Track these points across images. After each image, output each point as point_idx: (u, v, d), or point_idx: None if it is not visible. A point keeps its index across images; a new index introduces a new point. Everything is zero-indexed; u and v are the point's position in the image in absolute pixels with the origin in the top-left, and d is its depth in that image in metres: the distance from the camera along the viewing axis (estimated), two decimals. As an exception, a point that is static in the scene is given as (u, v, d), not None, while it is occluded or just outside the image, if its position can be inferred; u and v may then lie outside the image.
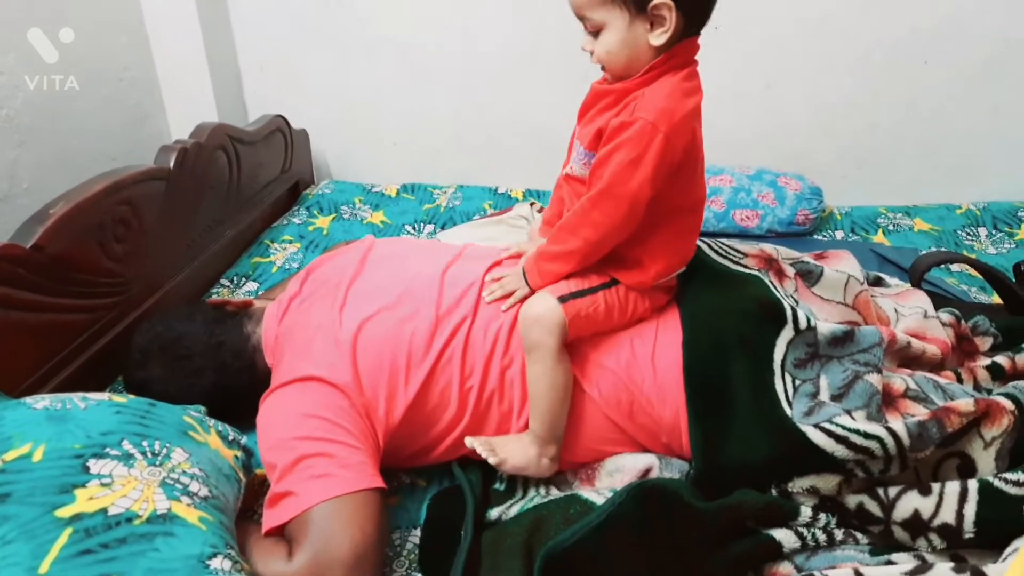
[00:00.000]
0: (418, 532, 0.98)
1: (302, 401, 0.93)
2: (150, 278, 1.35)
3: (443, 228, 1.82)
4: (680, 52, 0.92)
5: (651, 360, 1.00)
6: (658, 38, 0.89)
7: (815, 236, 1.78)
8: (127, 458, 0.81)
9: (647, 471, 0.99)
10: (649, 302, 1.04)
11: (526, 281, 1.02)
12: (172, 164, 1.34)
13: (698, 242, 1.16)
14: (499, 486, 1.04)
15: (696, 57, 0.95)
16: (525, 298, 1.01)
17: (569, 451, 1.02)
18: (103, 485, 0.76)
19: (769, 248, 1.17)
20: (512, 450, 0.98)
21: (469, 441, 0.99)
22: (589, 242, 0.96)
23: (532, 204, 1.81)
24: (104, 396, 0.91)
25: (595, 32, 0.93)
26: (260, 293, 1.52)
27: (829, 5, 1.77)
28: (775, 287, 1.05)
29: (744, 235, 1.74)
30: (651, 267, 1.00)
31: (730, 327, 0.99)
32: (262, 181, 1.79)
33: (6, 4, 1.42)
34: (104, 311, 1.23)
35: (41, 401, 0.86)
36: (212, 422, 0.97)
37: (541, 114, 1.95)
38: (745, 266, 1.11)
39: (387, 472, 0.97)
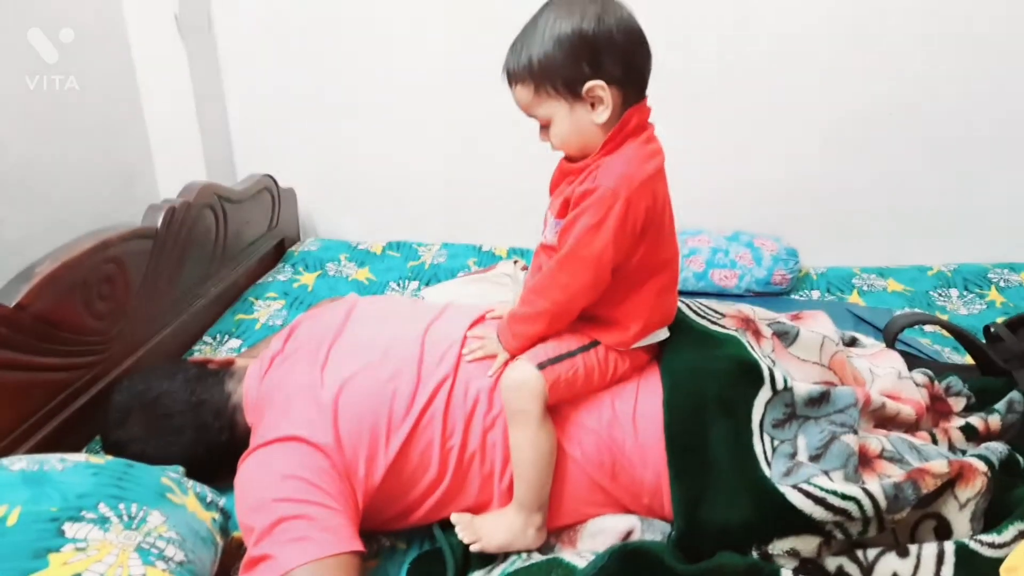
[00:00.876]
0: (398, 597, 0.97)
1: (282, 462, 0.93)
2: (132, 336, 1.35)
3: (427, 285, 1.84)
4: (631, 119, 0.95)
5: (632, 420, 1.01)
6: (601, 116, 0.93)
7: (792, 296, 1.82)
8: (103, 521, 0.80)
9: (629, 533, 0.99)
10: (630, 363, 1.05)
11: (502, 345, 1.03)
12: (160, 223, 1.36)
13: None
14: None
15: (650, 120, 0.99)
16: (507, 362, 1.02)
17: (552, 513, 1.02)
18: (78, 550, 0.76)
19: (746, 309, 1.19)
20: (492, 529, 0.98)
21: (455, 517, 0.99)
22: (557, 303, 0.98)
23: (516, 262, 1.83)
24: (81, 457, 0.91)
25: (546, 126, 0.97)
26: (243, 351, 1.52)
27: (802, 75, 1.85)
28: (753, 347, 1.07)
29: (723, 295, 1.77)
30: (630, 326, 1.02)
31: (710, 387, 1.00)
32: (248, 239, 1.81)
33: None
34: (85, 369, 1.22)
35: (18, 463, 0.85)
36: (190, 484, 0.97)
37: (524, 174, 1.98)
38: (723, 326, 1.13)
39: (367, 535, 0.96)
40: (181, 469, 1.00)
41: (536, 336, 1.01)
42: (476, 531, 0.98)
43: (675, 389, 1.01)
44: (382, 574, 1.01)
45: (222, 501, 0.99)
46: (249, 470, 0.95)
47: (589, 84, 0.92)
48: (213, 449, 1.08)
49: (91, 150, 1.72)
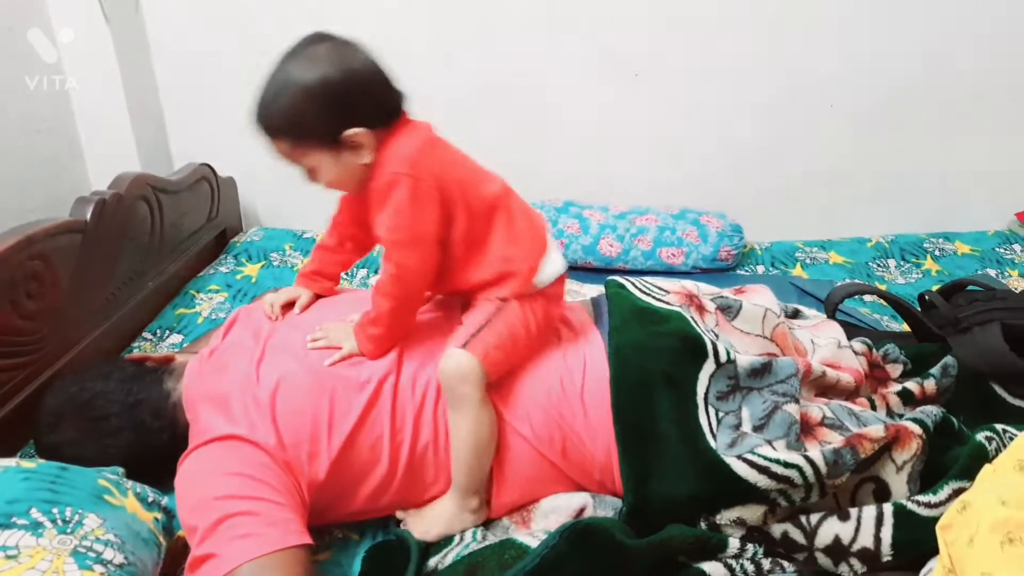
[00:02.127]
0: (352, 587, 0.96)
1: (223, 460, 0.91)
2: (65, 335, 1.30)
3: (376, 273, 1.81)
4: (392, 130, 0.97)
5: (580, 398, 1.01)
6: (365, 158, 0.95)
7: (738, 271, 1.85)
8: (35, 527, 0.77)
9: (581, 510, 1.00)
10: (543, 310, 1.05)
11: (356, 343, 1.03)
12: (89, 216, 1.31)
13: (622, 280, 1.19)
14: (435, 535, 1.02)
15: (405, 119, 1.00)
16: (348, 356, 1.02)
17: (505, 493, 1.02)
18: (8, 557, 0.72)
19: (690, 285, 1.20)
20: (430, 522, 0.99)
21: (400, 514, 1.01)
22: (398, 298, 1.00)
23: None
24: (11, 462, 0.87)
25: (312, 173, 0.98)
26: (184, 346, 1.48)
27: (740, 56, 1.87)
28: (696, 322, 1.09)
29: (671, 272, 1.79)
30: (516, 269, 1.02)
31: (655, 363, 1.01)
32: (187, 230, 1.76)
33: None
34: (14, 371, 1.17)
35: (-58, 471, 0.81)
36: (130, 484, 0.93)
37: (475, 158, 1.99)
38: (667, 303, 1.14)
39: (319, 527, 0.94)
40: (120, 470, 0.96)
41: (387, 336, 1.02)
42: (416, 527, 0.99)
43: (621, 366, 1.01)
44: (335, 567, 0.99)
45: (164, 500, 0.96)
46: (189, 470, 0.92)
47: (347, 133, 0.93)
48: (154, 449, 1.04)
49: (14, 141, 1.64)
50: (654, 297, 1.14)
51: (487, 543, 0.96)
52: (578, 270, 1.83)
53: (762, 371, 1.01)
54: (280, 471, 0.91)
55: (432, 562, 0.95)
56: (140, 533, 0.87)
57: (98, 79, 1.78)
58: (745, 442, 0.94)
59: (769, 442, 0.93)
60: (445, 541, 1.00)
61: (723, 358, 1.01)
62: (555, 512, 1.01)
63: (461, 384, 0.96)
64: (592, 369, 1.03)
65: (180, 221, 1.70)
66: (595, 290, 1.62)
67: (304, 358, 1.02)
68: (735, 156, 2.00)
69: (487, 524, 1.03)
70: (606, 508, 1.00)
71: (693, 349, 1.02)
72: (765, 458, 0.90)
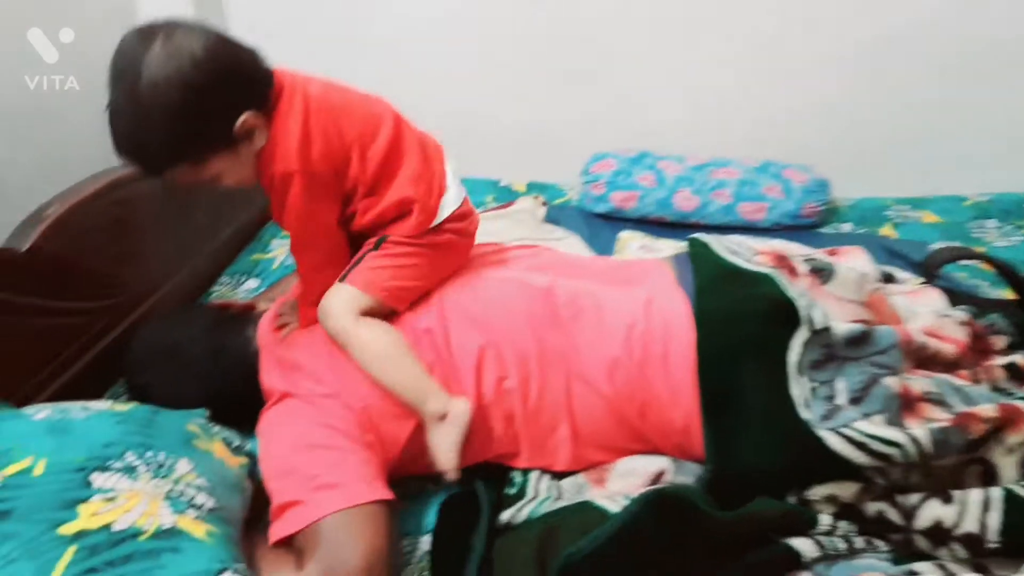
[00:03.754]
0: (428, 538, 0.96)
1: (311, 412, 0.92)
2: (148, 278, 1.33)
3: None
4: (272, 102, 0.91)
5: (663, 360, 0.98)
6: (260, 141, 0.90)
7: (822, 229, 1.76)
8: (130, 471, 0.79)
9: (660, 474, 0.98)
10: (452, 242, 1.04)
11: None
12: (170, 161, 1.32)
13: (706, 238, 1.14)
14: (510, 491, 1.02)
15: (277, 81, 0.92)
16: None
17: (583, 450, 1.01)
18: (106, 500, 0.75)
19: (780, 245, 1.14)
20: (434, 453, 0.95)
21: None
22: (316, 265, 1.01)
23: (536, 198, 1.78)
24: (105, 405, 0.90)
25: (214, 181, 0.92)
26: (261, 291, 1.50)
27: (827, 2, 1.74)
28: (788, 286, 1.03)
29: (750, 228, 1.72)
30: (413, 209, 1.00)
31: (743, 329, 0.97)
32: (261, 176, 1.77)
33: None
34: (102, 313, 1.21)
35: (41, 412, 0.84)
36: (216, 429, 0.96)
37: (543, 104, 1.93)
38: (757, 264, 1.09)
39: (397, 477, 0.95)
40: (206, 413, 0.99)
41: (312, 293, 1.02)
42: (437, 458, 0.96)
43: (707, 330, 0.97)
44: (412, 516, 1.01)
45: (248, 446, 0.98)
46: (278, 419, 0.94)
47: (239, 122, 0.86)
48: (235, 395, 1.06)
49: (99, 95, 1.65)
50: (743, 258, 1.09)
51: (563, 503, 0.95)
52: (651, 224, 1.77)
53: (860, 340, 0.95)
54: (365, 430, 0.91)
55: (505, 516, 0.95)
56: (227, 478, 0.89)
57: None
58: (840, 415, 0.89)
59: (867, 416, 0.89)
60: (517, 496, 1.00)
61: (818, 325, 0.95)
62: (632, 474, 0.99)
63: (331, 316, 0.96)
64: (676, 332, 0.99)
65: (254, 166, 1.71)
66: (669, 245, 1.57)
67: None
68: (821, 107, 1.88)
69: (560, 476, 1.02)
70: (686, 474, 0.98)
71: (785, 315, 0.97)
72: (863, 433, 0.85)
